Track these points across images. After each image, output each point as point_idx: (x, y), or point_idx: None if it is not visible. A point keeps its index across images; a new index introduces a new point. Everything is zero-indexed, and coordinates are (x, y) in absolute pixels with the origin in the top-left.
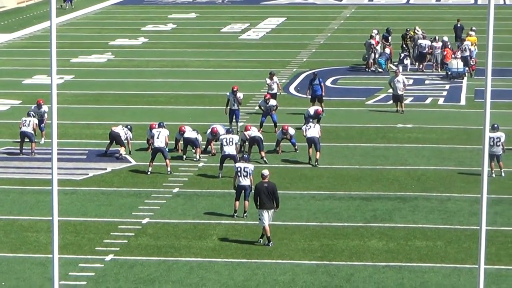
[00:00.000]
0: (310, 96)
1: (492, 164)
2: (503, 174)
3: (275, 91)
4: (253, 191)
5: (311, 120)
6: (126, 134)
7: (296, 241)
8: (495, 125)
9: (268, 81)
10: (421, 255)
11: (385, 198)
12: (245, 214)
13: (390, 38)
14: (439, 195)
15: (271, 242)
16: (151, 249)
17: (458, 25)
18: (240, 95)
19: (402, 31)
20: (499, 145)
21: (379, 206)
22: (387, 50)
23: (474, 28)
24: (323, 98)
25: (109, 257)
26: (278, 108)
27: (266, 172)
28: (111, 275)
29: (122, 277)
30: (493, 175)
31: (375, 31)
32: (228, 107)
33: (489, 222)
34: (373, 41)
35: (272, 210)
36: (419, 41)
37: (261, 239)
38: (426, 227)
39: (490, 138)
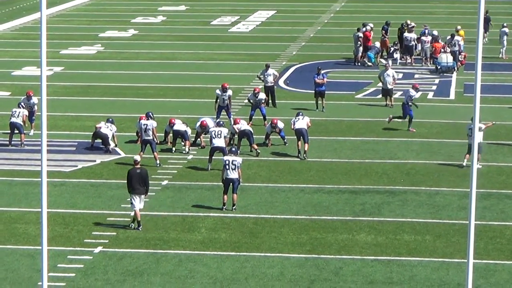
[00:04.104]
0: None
1: (467, 155)
2: (465, 164)
3: (269, 84)
4: (241, 184)
5: (300, 113)
6: (111, 130)
7: (284, 235)
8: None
9: (265, 73)
10: (409, 249)
11: (374, 192)
12: (233, 207)
13: (389, 30)
14: (428, 189)
15: (141, 226)
16: (140, 242)
17: (485, 16)
18: (230, 92)
19: (396, 25)
20: None
21: (368, 199)
22: (377, 44)
23: (459, 27)
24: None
25: (98, 249)
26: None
27: (138, 158)
28: (100, 267)
29: (110, 269)
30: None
31: (371, 25)
32: (217, 104)
33: (478, 216)
34: (360, 34)
35: (143, 195)
36: (405, 35)
37: (132, 224)
38: (414, 221)
39: (468, 129)
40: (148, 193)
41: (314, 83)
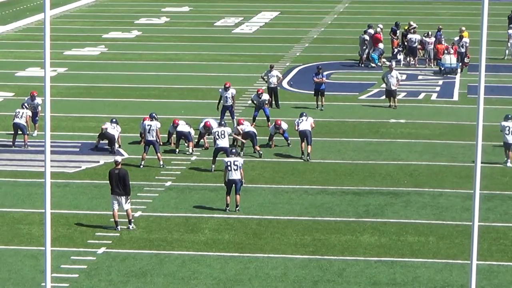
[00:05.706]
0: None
1: (509, 153)
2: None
3: (273, 85)
4: (244, 185)
5: (304, 113)
6: (117, 131)
7: (288, 236)
8: (509, 115)
9: (268, 74)
10: (413, 250)
11: (378, 193)
12: (237, 208)
13: (398, 32)
14: (432, 190)
15: (132, 225)
16: (143, 242)
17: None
18: (233, 91)
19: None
20: None
21: (371, 201)
22: (381, 45)
23: (463, 28)
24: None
25: (101, 250)
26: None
27: (119, 159)
28: (103, 268)
29: (114, 270)
30: (508, 164)
31: (380, 26)
32: (221, 104)
33: (481, 218)
34: (367, 37)
35: (124, 196)
36: (409, 36)
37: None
38: (418, 222)
39: (505, 127)
40: (150, 194)
41: (313, 83)
